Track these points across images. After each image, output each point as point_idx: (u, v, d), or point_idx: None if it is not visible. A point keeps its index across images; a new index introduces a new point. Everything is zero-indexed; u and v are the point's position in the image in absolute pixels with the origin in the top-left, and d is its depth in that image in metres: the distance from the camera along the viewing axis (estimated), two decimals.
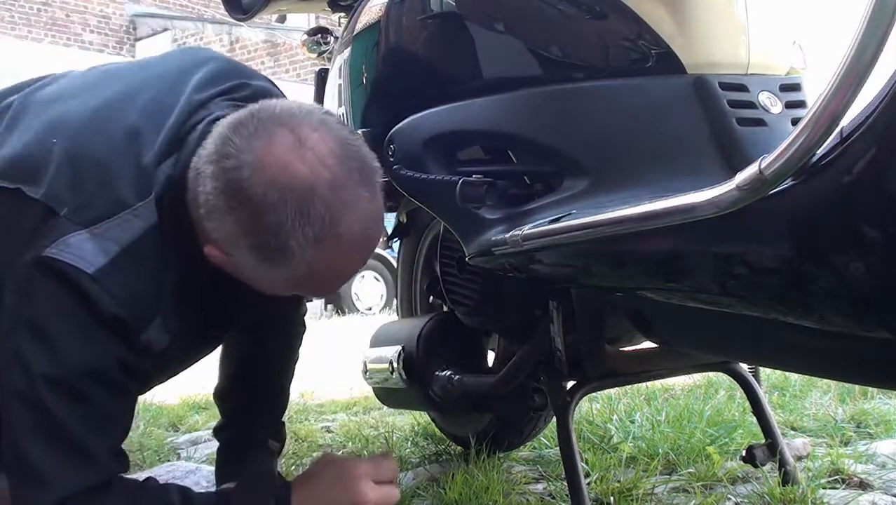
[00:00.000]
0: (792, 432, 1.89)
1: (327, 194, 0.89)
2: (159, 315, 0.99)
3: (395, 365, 1.49)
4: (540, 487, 1.54)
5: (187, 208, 0.97)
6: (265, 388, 1.36)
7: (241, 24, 10.35)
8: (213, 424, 1.41)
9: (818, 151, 0.65)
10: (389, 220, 1.80)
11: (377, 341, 1.64)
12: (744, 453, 1.33)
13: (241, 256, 0.94)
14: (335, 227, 0.90)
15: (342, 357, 3.96)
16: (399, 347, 1.49)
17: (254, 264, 0.95)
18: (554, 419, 1.41)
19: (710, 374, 2.29)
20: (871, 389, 2.15)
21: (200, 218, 0.95)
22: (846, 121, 0.64)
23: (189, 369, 1.23)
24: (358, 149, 0.94)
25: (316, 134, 0.91)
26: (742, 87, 1.00)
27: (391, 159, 1.23)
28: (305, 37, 1.86)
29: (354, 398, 2.63)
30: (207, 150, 0.94)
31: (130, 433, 1.07)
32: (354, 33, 1.40)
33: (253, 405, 1.35)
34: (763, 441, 1.36)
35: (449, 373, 1.42)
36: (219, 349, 1.35)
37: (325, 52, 1.82)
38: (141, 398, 1.46)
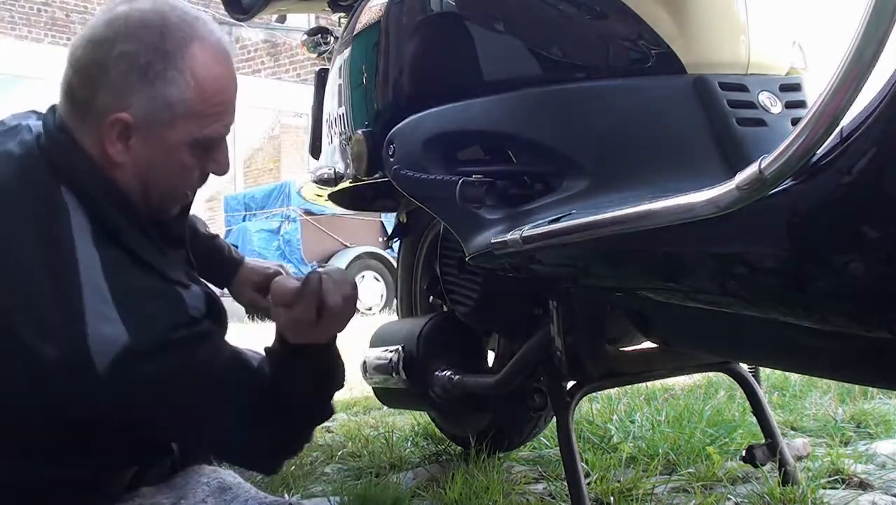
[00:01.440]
0: (792, 432, 1.89)
1: (176, 16, 0.98)
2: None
3: (395, 365, 1.48)
4: (540, 487, 1.54)
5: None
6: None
7: (241, 24, 10.35)
8: None
9: (818, 151, 0.65)
10: (389, 220, 1.80)
11: (377, 341, 1.64)
12: (744, 453, 1.33)
13: (138, 99, 0.97)
14: (195, 31, 0.99)
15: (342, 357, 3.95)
16: (399, 347, 1.49)
17: (151, 105, 0.97)
18: (554, 419, 1.41)
19: (710, 374, 2.29)
20: (871, 389, 2.15)
21: (89, 122, 0.98)
22: (846, 121, 0.64)
23: None
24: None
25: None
26: (742, 87, 1.00)
27: (391, 159, 1.23)
28: (305, 37, 1.85)
29: (355, 398, 2.62)
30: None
31: None
32: (354, 33, 1.40)
33: None
34: (763, 441, 1.36)
35: (449, 373, 1.42)
36: None
37: (325, 52, 1.82)
38: None
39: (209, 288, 1.10)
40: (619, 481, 1.45)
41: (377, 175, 1.30)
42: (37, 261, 0.92)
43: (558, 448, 1.24)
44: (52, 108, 1.03)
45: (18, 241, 0.93)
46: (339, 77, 1.47)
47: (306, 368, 1.07)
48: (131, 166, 0.99)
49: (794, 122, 0.99)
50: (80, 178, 0.97)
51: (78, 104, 0.98)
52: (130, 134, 0.98)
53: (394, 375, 1.48)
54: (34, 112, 1.10)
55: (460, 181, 1.06)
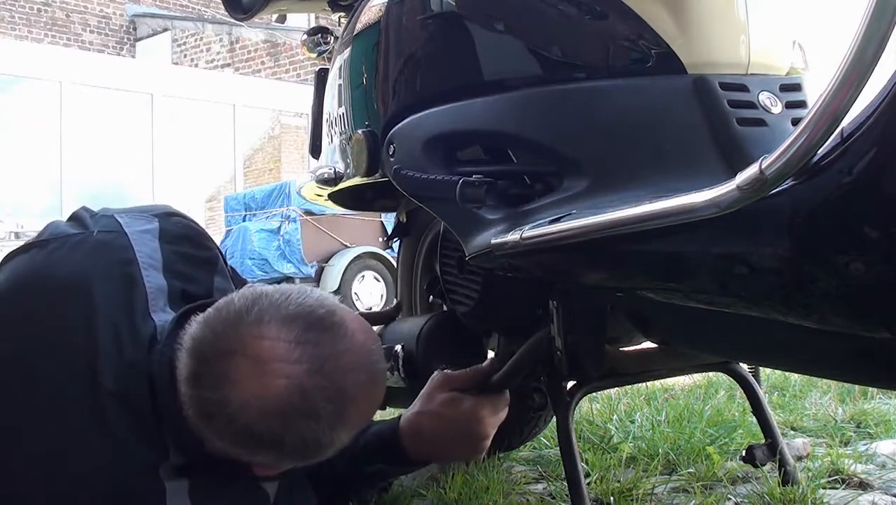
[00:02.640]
0: (792, 432, 1.89)
1: (312, 382, 0.86)
2: None
3: (395, 364, 1.48)
4: (540, 487, 1.54)
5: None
6: None
7: (241, 24, 10.35)
8: None
9: (819, 152, 0.65)
10: (389, 220, 1.80)
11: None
12: (744, 453, 1.33)
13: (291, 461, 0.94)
14: (343, 396, 0.88)
15: None
16: (399, 347, 1.49)
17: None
18: (554, 419, 1.41)
19: (710, 374, 2.29)
20: (871, 389, 2.15)
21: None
22: (847, 121, 0.64)
23: None
24: (306, 305, 0.90)
25: (265, 340, 0.86)
26: (742, 88, 1.00)
27: (391, 159, 1.23)
28: (305, 37, 1.85)
29: None
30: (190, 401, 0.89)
31: None
32: (354, 33, 1.40)
33: None
34: (763, 441, 1.36)
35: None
36: None
37: (325, 52, 1.82)
38: None
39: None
40: (619, 481, 1.45)
41: (377, 175, 1.30)
42: (129, 486, 0.90)
43: (558, 448, 1.24)
44: (168, 363, 0.91)
45: (113, 456, 0.90)
46: (339, 77, 1.47)
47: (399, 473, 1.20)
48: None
49: (795, 122, 0.99)
50: (191, 448, 0.92)
51: (228, 452, 0.90)
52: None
53: (394, 373, 1.48)
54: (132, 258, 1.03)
55: (460, 181, 1.06)
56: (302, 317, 0.88)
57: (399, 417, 1.20)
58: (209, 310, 0.91)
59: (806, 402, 2.17)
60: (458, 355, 1.46)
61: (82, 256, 1.00)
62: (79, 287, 0.97)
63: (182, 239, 1.09)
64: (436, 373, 1.23)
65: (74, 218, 1.09)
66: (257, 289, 0.92)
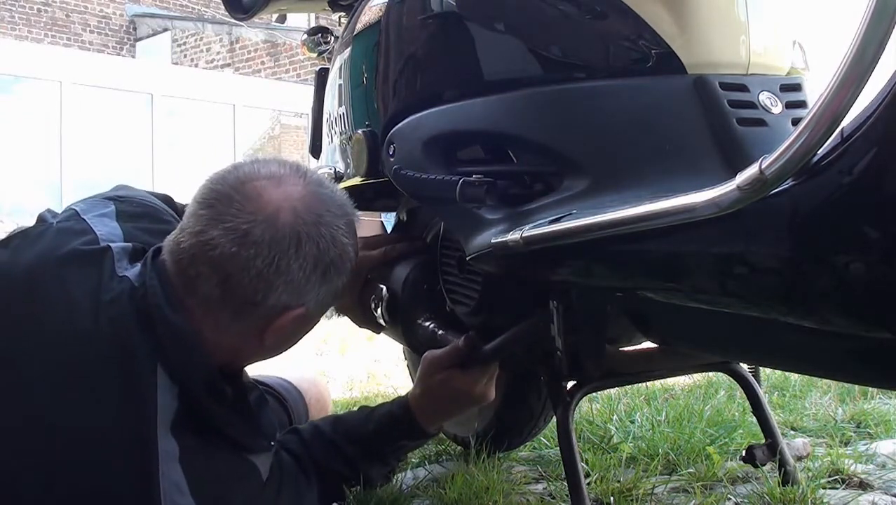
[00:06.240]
0: (792, 432, 1.89)
1: (319, 190, 1.02)
2: None
3: (377, 304, 1.46)
4: (540, 487, 1.54)
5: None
6: None
7: (241, 24, 10.35)
8: None
9: (819, 152, 0.65)
10: (389, 220, 1.80)
11: None
12: (744, 453, 1.33)
13: (314, 295, 1.00)
14: (344, 203, 1.05)
15: (342, 357, 3.96)
16: (385, 289, 1.44)
17: (325, 297, 1.03)
18: (554, 419, 1.41)
19: (710, 374, 2.29)
20: (871, 389, 2.15)
21: (245, 318, 0.99)
22: (847, 121, 0.64)
23: None
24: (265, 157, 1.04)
25: (268, 167, 1.02)
26: (742, 88, 0.99)
27: (391, 159, 1.23)
28: (305, 37, 1.85)
29: (354, 398, 2.62)
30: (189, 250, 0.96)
31: None
32: (354, 33, 1.39)
33: None
34: (763, 441, 1.36)
35: (433, 325, 1.39)
36: None
37: (325, 51, 1.81)
38: None
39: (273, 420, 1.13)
40: (619, 481, 1.45)
41: (377, 175, 1.30)
42: (117, 448, 0.91)
43: (558, 448, 1.24)
44: (155, 266, 0.98)
45: (101, 416, 0.92)
46: (340, 77, 1.47)
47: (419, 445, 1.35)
48: (261, 351, 1.04)
49: (795, 122, 0.98)
50: (188, 370, 0.95)
51: (236, 303, 0.97)
52: (293, 324, 1.01)
53: (376, 311, 1.46)
54: (112, 213, 1.10)
55: (460, 181, 1.06)
56: (271, 159, 1.03)
57: (405, 396, 1.30)
58: (196, 190, 1.01)
59: (806, 402, 2.17)
60: (441, 304, 1.43)
61: (45, 244, 1.03)
62: (46, 270, 0.99)
63: (140, 216, 1.13)
64: (424, 356, 1.30)
65: (38, 220, 1.11)
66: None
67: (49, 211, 1.13)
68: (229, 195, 0.96)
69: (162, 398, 0.93)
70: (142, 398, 0.92)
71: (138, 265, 1.00)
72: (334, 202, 1.02)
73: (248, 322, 0.99)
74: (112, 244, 1.02)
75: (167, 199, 1.26)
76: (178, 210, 1.22)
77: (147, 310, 0.95)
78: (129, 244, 1.04)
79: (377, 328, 1.50)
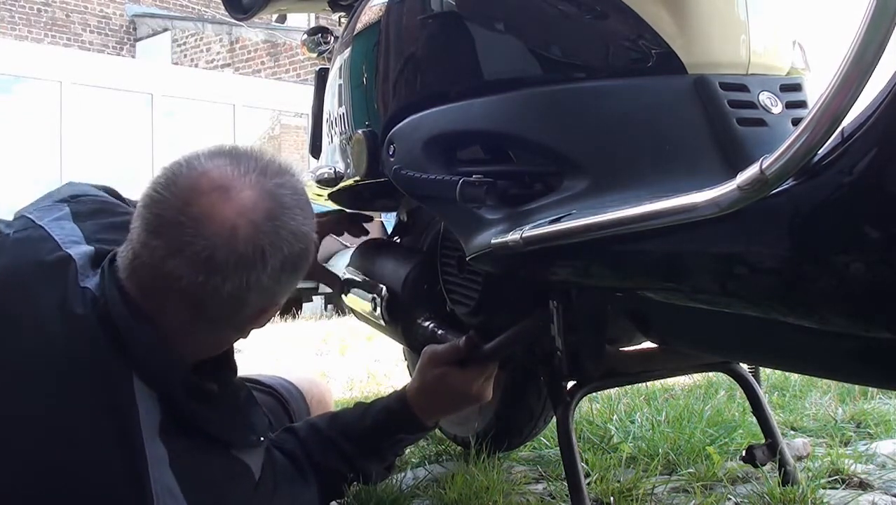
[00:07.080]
0: (792, 432, 1.89)
1: (270, 183, 0.95)
2: None
3: (376, 304, 1.45)
4: (540, 487, 1.54)
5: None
6: None
7: (241, 24, 10.35)
8: None
9: (819, 152, 0.65)
10: (389, 220, 1.80)
11: (359, 265, 1.62)
12: (744, 453, 1.33)
13: (286, 289, 0.99)
14: (300, 188, 0.98)
15: (342, 357, 3.96)
16: (384, 288, 1.44)
17: (293, 287, 1.01)
18: (554, 419, 1.41)
19: (710, 374, 2.29)
20: (871, 389, 2.15)
21: (221, 324, 0.98)
22: (847, 121, 0.64)
23: None
24: (207, 148, 0.99)
25: (210, 173, 0.94)
26: (743, 88, 0.99)
27: (391, 159, 1.23)
28: (305, 37, 1.85)
29: (354, 397, 2.63)
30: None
31: None
32: (355, 33, 1.40)
33: None
34: (763, 441, 1.36)
35: (432, 325, 1.39)
36: None
37: (325, 51, 1.82)
38: None
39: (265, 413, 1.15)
40: (619, 481, 1.45)
41: (377, 175, 1.30)
42: (108, 461, 0.90)
43: (558, 448, 1.24)
44: (112, 276, 0.95)
45: (88, 433, 0.91)
46: (340, 77, 1.47)
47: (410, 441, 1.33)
48: (236, 341, 1.05)
49: (795, 122, 0.98)
50: (162, 376, 0.94)
51: (208, 319, 0.95)
52: (269, 316, 1.01)
53: (375, 311, 1.46)
54: (69, 217, 1.07)
55: (460, 181, 1.06)
56: (215, 151, 0.96)
57: (402, 390, 1.30)
58: (138, 207, 0.94)
59: (806, 402, 2.17)
60: (441, 304, 1.43)
61: (5, 257, 1.01)
62: (9, 285, 0.97)
63: (95, 213, 1.12)
64: (424, 350, 1.30)
65: None
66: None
67: (1, 221, 1.10)
68: (177, 221, 0.90)
69: (143, 406, 0.92)
70: (123, 408, 0.91)
71: (98, 274, 0.98)
72: (285, 191, 0.95)
73: (222, 330, 1.00)
74: (74, 252, 1.00)
75: (111, 191, 1.24)
76: (126, 202, 1.22)
77: (112, 322, 0.93)
78: (91, 248, 1.02)
79: (338, 283, 1.60)
